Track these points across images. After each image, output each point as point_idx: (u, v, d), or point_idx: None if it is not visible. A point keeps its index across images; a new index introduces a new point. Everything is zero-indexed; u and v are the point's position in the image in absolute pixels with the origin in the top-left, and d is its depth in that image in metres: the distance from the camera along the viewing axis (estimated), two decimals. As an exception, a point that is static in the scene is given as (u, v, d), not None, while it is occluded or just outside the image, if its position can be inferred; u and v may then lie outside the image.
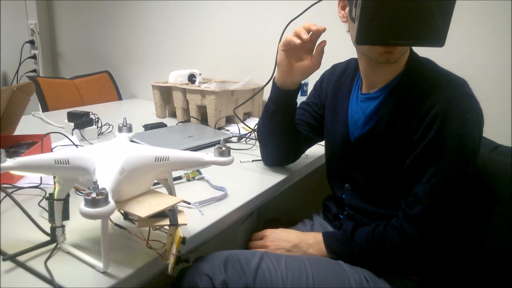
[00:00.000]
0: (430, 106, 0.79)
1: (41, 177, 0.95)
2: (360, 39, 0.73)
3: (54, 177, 0.66)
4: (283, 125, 1.04)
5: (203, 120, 1.63)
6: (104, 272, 0.61)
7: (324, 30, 0.92)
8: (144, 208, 0.62)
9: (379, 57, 0.82)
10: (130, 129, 0.83)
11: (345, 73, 1.04)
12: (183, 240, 0.60)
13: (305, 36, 0.90)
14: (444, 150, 0.79)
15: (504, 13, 1.29)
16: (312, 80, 1.28)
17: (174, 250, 0.61)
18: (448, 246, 0.84)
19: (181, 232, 0.61)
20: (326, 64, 1.11)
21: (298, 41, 0.90)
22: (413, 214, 0.82)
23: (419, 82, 0.84)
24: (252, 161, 1.19)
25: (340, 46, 1.20)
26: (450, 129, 0.78)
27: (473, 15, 1.34)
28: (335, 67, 1.09)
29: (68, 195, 0.68)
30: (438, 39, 0.71)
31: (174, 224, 0.61)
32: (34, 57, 2.71)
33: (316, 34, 0.93)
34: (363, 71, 0.94)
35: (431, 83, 0.82)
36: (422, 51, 0.90)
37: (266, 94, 1.81)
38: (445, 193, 0.80)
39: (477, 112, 0.81)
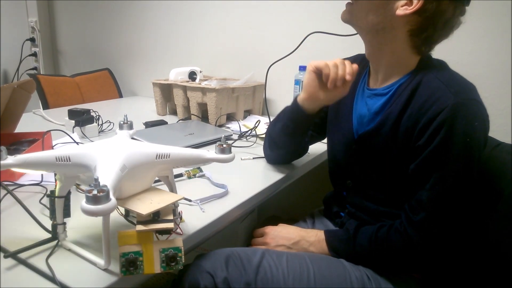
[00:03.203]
0: (437, 112, 0.78)
1: (42, 175, 0.95)
2: None
3: (55, 175, 0.66)
4: (298, 140, 1.04)
5: (204, 117, 1.63)
6: (105, 269, 0.61)
7: (357, 70, 0.90)
8: (145, 205, 0.62)
9: None
10: (131, 127, 0.82)
11: None
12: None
13: (339, 84, 0.89)
14: (449, 157, 0.78)
15: (506, 10, 1.28)
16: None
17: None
18: (451, 246, 0.84)
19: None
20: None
21: (331, 85, 0.89)
22: (417, 220, 0.82)
23: (427, 84, 0.83)
24: (253, 158, 1.19)
25: (347, 43, 1.20)
26: (457, 136, 0.77)
27: (475, 12, 1.33)
28: None
29: (69, 193, 0.68)
30: None
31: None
32: (34, 54, 2.71)
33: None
34: (370, 63, 0.94)
35: (440, 87, 0.80)
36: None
37: (268, 91, 1.81)
38: (449, 201, 0.80)
39: (484, 119, 0.80)
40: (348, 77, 0.88)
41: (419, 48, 0.85)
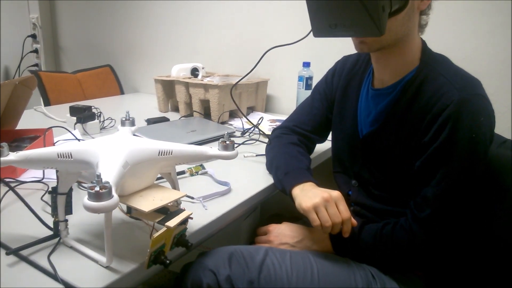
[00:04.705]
0: (442, 108, 0.77)
1: (43, 171, 0.95)
2: (314, 33, 0.80)
3: (57, 171, 0.65)
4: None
5: (206, 114, 1.62)
6: (107, 267, 0.61)
7: (355, 225, 0.84)
8: (147, 202, 0.62)
9: (356, 46, 0.85)
10: (133, 123, 0.82)
11: (356, 66, 1.01)
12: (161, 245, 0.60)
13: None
14: (455, 153, 0.77)
15: (509, 7, 1.27)
16: (319, 73, 1.26)
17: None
18: (455, 243, 0.83)
19: (163, 233, 0.59)
20: (337, 56, 1.10)
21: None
22: (422, 216, 0.81)
23: (432, 81, 0.82)
24: (256, 155, 1.18)
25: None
26: (462, 132, 0.76)
27: (479, 9, 1.32)
28: (346, 59, 1.06)
29: (71, 189, 0.67)
30: (375, 31, 0.72)
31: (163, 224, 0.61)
32: (36, 51, 2.71)
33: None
34: (375, 64, 0.92)
35: (445, 83, 0.79)
36: (431, 46, 0.89)
37: (270, 89, 1.81)
38: (455, 197, 0.79)
39: (489, 114, 0.79)
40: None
41: (420, 23, 0.85)
